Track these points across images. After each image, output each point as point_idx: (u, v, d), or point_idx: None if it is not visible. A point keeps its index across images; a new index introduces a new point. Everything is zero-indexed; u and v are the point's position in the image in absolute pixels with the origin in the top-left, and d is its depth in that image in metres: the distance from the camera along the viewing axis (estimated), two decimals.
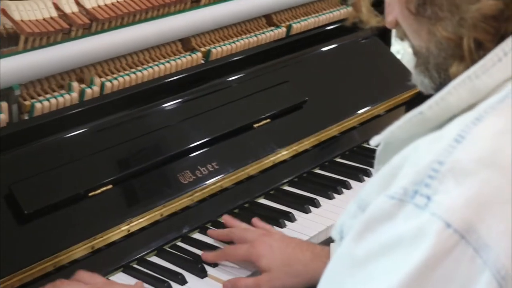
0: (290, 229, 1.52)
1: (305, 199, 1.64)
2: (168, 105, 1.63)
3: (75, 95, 1.49)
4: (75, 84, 1.51)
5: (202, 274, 1.37)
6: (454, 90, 0.76)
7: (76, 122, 1.48)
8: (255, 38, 1.87)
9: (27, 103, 1.44)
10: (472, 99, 0.76)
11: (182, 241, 1.48)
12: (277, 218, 1.54)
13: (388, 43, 2.24)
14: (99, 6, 1.58)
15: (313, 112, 1.84)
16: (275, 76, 1.84)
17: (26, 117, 1.44)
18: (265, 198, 1.66)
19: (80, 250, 1.35)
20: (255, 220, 1.49)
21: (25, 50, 1.45)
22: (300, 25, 1.99)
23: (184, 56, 1.71)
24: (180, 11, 1.73)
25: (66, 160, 1.41)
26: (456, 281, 0.67)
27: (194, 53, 1.73)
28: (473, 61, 0.77)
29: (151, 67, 1.64)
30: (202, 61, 1.76)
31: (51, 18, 1.50)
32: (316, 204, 1.62)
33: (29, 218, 1.31)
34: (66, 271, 1.32)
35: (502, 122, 0.72)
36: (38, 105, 1.44)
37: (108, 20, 1.57)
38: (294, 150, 1.76)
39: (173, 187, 1.51)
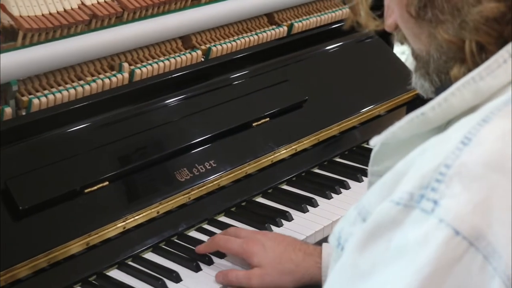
0: (286, 228, 1.52)
1: (303, 198, 1.63)
2: (167, 102, 1.63)
3: (73, 91, 1.49)
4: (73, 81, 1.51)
5: (197, 272, 1.37)
6: (458, 91, 0.75)
7: (74, 118, 1.47)
8: (256, 37, 1.87)
9: (25, 98, 1.44)
10: (475, 100, 0.75)
11: (178, 239, 1.48)
12: (274, 217, 1.54)
13: (391, 43, 2.23)
14: (99, 3, 1.58)
15: (313, 111, 1.83)
16: (276, 75, 1.84)
17: (24, 113, 1.44)
18: (263, 196, 1.65)
19: (75, 246, 1.34)
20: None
21: (23, 46, 1.45)
22: (301, 24, 1.99)
23: (184, 54, 1.71)
24: (180, 9, 1.73)
25: (63, 156, 1.41)
26: None
27: (194, 51, 1.73)
28: (475, 64, 0.76)
29: (150, 64, 1.64)
30: (202, 59, 1.76)
31: (50, 14, 1.50)
32: (314, 204, 1.61)
33: (24, 213, 1.31)
34: (61, 267, 1.32)
35: (508, 123, 0.70)
36: (35, 101, 1.44)
37: (108, 17, 1.57)
38: (293, 149, 1.75)
39: (170, 185, 1.51)
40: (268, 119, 1.74)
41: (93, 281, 1.35)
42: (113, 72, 1.58)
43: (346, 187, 1.70)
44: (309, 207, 1.60)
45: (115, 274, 1.37)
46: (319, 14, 2.06)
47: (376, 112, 1.96)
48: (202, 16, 1.75)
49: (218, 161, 1.59)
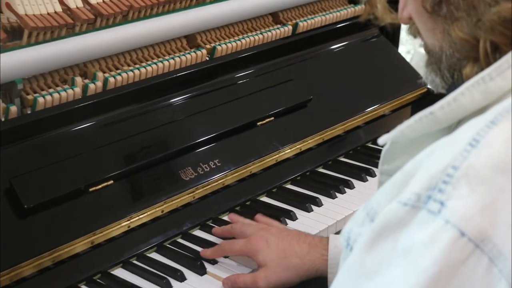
0: (290, 228, 1.51)
1: (307, 197, 1.63)
2: (171, 101, 1.63)
3: (78, 90, 1.49)
4: (78, 79, 1.51)
5: (201, 271, 1.37)
6: (467, 91, 0.75)
7: (79, 117, 1.47)
8: (261, 36, 1.87)
9: (30, 97, 1.44)
10: (485, 101, 0.75)
11: (182, 238, 1.48)
12: (279, 217, 1.54)
13: (396, 43, 2.23)
14: (104, 1, 1.58)
15: (317, 110, 1.83)
16: (280, 74, 1.84)
17: (29, 112, 1.44)
18: (267, 196, 1.65)
19: (79, 245, 1.34)
20: (258, 215, 1.48)
21: (29, 44, 1.45)
22: (306, 23, 1.99)
23: (189, 53, 1.71)
24: (185, 8, 1.73)
25: (67, 155, 1.41)
26: None
27: (199, 50, 1.73)
28: (488, 64, 0.76)
29: (155, 63, 1.64)
30: (207, 58, 1.76)
31: (56, 12, 1.50)
32: (318, 203, 1.61)
33: (29, 212, 1.31)
34: (65, 266, 1.33)
35: None
36: (40, 99, 1.43)
37: (113, 15, 1.57)
38: (297, 148, 1.75)
39: (174, 184, 1.51)
40: (272, 118, 1.74)
41: (98, 280, 1.35)
42: (118, 71, 1.58)
43: (351, 186, 1.70)
44: (313, 207, 1.60)
45: (120, 273, 1.37)
46: (324, 13, 2.06)
47: (381, 111, 1.95)
48: (207, 15, 1.75)
49: (222, 160, 1.59)
